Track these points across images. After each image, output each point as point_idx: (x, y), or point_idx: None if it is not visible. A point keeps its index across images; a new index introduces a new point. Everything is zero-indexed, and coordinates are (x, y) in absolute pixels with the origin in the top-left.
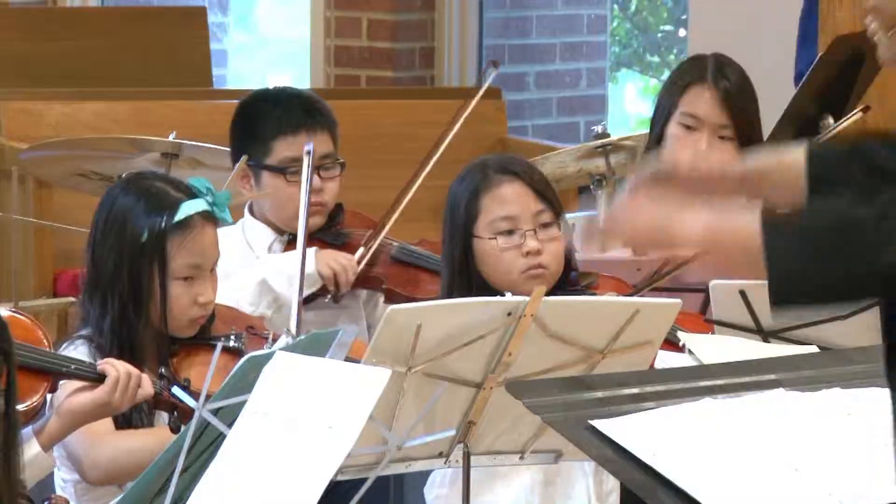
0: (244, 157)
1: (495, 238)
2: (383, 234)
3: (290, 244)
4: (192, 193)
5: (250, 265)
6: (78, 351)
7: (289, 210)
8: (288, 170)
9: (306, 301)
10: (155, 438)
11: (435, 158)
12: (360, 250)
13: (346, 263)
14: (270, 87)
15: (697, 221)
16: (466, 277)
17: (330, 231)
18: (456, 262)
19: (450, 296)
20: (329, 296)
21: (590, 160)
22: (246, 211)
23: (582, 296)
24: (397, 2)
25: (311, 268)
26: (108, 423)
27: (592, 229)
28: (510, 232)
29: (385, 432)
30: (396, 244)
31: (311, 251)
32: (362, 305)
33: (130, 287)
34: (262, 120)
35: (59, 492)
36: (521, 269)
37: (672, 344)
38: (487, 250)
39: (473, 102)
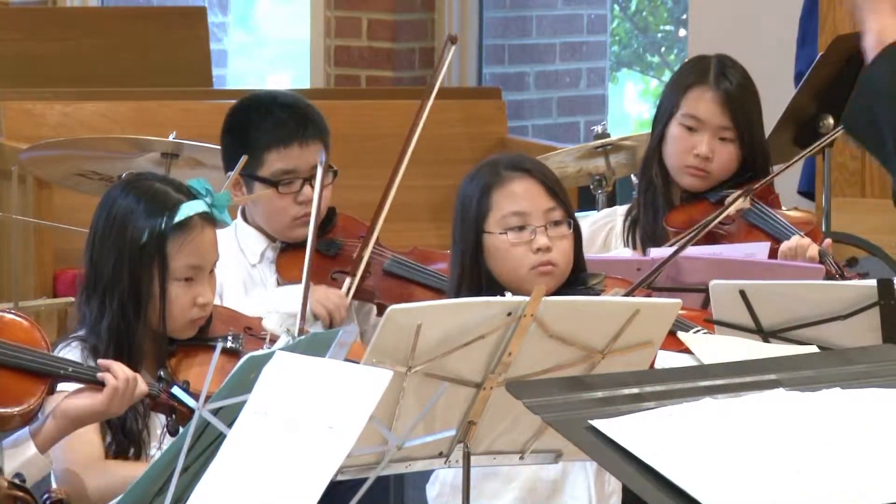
0: (244, 159)
1: (505, 234)
2: (369, 250)
3: (284, 251)
4: (191, 195)
5: (243, 270)
6: (71, 353)
7: (281, 221)
8: (280, 182)
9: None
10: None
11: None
12: (347, 281)
13: (339, 302)
14: (259, 91)
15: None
16: (476, 274)
17: (323, 240)
18: (466, 258)
19: (458, 292)
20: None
21: (590, 160)
22: (239, 215)
23: (583, 296)
24: (397, 2)
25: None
26: (99, 449)
27: None
28: (521, 228)
29: (385, 432)
30: (389, 256)
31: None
32: (355, 313)
33: (130, 288)
34: (253, 131)
35: None
36: (531, 266)
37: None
38: (497, 246)
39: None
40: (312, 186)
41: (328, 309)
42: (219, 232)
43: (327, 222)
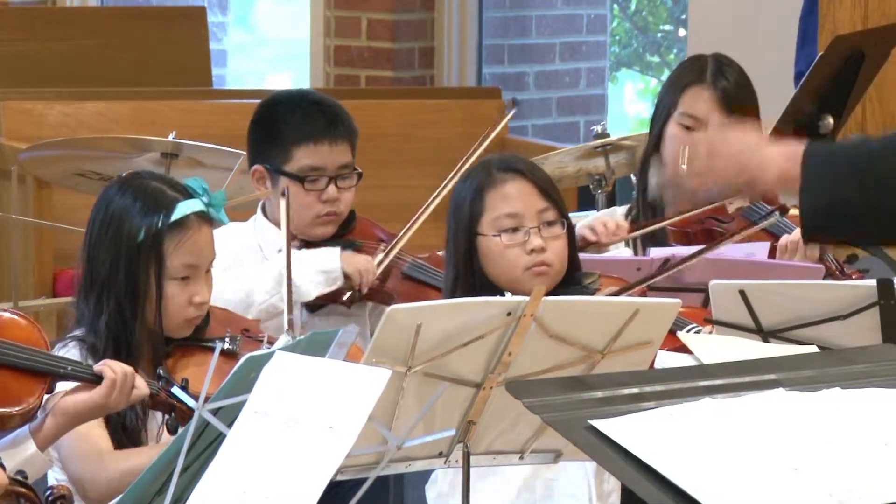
0: (243, 157)
1: (499, 235)
2: (399, 246)
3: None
4: (188, 193)
5: (259, 265)
6: (70, 352)
7: (303, 218)
8: (307, 178)
9: (316, 307)
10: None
11: (453, 180)
12: (380, 255)
13: (368, 266)
14: (289, 89)
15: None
16: (470, 275)
17: (342, 240)
18: (460, 260)
19: (453, 294)
20: (346, 297)
21: (589, 160)
22: (259, 210)
23: (583, 295)
24: (397, 2)
25: (335, 264)
26: (106, 441)
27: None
28: (514, 229)
29: (385, 432)
30: (409, 260)
31: (335, 250)
32: (367, 315)
33: (127, 286)
34: (283, 125)
35: None
36: (525, 267)
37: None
38: (491, 247)
39: (494, 132)
40: (338, 186)
41: (358, 269)
42: (239, 224)
43: (347, 224)
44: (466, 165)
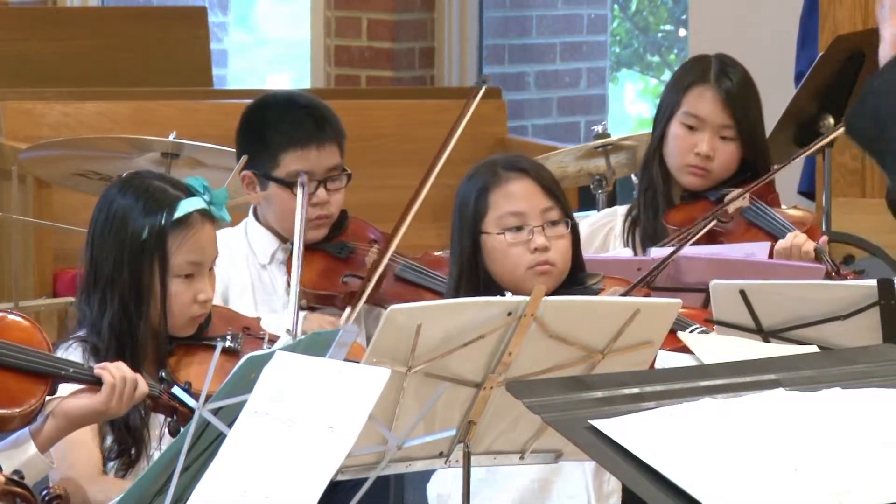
0: (243, 159)
1: (503, 234)
2: (376, 275)
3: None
4: (189, 192)
5: (253, 269)
6: (72, 353)
7: (293, 222)
8: (295, 183)
9: (312, 309)
10: None
11: (431, 179)
12: (347, 310)
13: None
14: (277, 90)
15: None
16: (474, 274)
17: (333, 242)
18: (464, 259)
19: (457, 292)
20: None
21: (590, 160)
22: (251, 214)
23: (583, 295)
24: (397, 2)
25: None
26: (94, 460)
27: None
28: (518, 228)
29: (385, 432)
30: (401, 262)
31: (302, 315)
32: (363, 317)
33: (131, 285)
34: (270, 130)
35: None
36: (529, 265)
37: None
38: (495, 246)
39: (468, 114)
40: (327, 189)
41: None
42: (230, 230)
43: (339, 225)
44: (447, 149)
